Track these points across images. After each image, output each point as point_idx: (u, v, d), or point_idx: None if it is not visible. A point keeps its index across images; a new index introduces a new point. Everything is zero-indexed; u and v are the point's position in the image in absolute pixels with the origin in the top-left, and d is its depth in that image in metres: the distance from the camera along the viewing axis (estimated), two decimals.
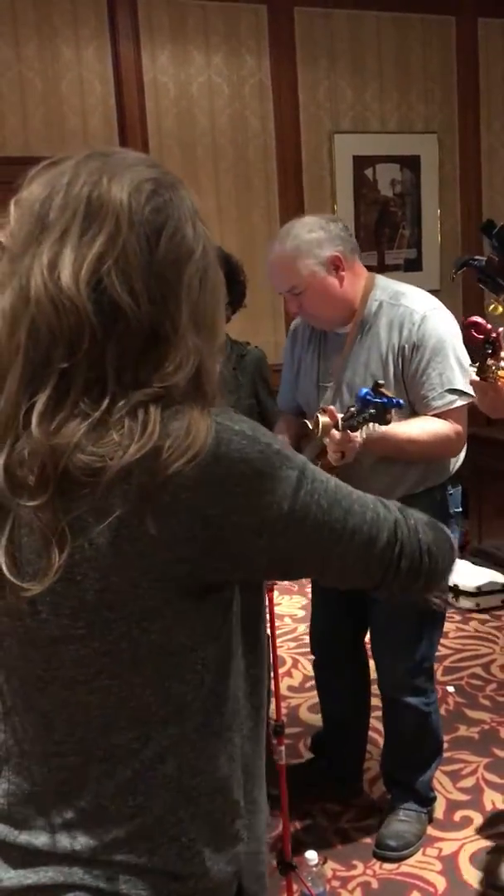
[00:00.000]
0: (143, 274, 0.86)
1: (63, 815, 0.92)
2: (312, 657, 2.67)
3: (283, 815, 2.02)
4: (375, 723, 2.63)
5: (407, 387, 2.09)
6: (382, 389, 1.81)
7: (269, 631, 2.13)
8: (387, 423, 1.82)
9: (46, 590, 0.85)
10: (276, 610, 3.99)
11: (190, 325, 0.90)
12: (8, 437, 0.85)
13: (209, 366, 0.92)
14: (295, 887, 2.02)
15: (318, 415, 2.02)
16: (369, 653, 2.51)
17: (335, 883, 2.20)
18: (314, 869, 1.99)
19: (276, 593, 4.19)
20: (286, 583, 4.33)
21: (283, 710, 3.09)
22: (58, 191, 0.87)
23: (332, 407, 2.02)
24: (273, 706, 2.18)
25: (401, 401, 1.82)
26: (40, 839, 0.92)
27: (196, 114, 4.75)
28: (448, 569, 1.04)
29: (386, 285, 2.18)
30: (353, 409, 1.86)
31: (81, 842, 0.90)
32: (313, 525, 0.91)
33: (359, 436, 1.88)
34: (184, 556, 0.86)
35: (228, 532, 0.87)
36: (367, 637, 2.48)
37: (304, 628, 3.73)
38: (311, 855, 2.00)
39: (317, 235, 2.09)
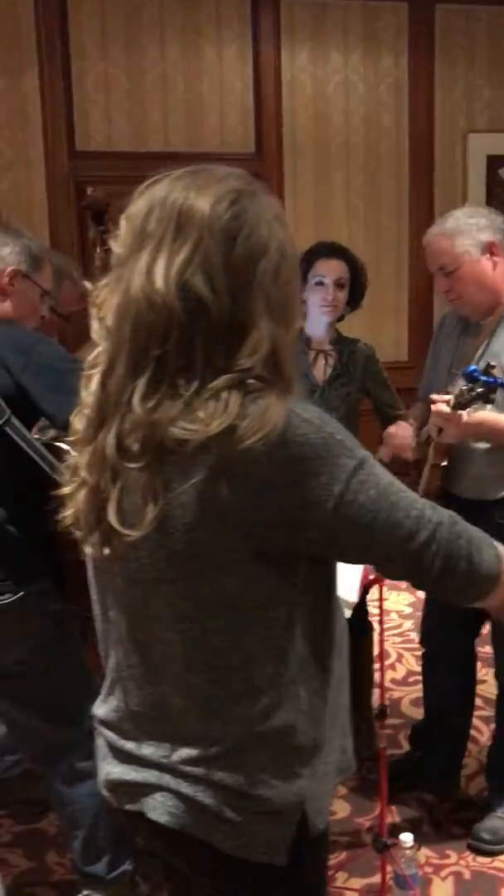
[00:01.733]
0: (222, 272, 1.02)
1: (160, 732, 1.12)
2: (420, 651, 2.71)
3: (382, 797, 2.09)
4: (476, 721, 2.66)
5: None
6: (493, 371, 1.85)
7: (376, 624, 2.21)
8: (491, 402, 1.87)
9: (146, 538, 1.03)
10: (384, 606, 4.03)
11: (264, 314, 1.04)
12: (118, 413, 1.04)
13: (285, 350, 1.07)
14: (388, 868, 2.09)
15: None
16: (477, 651, 2.55)
17: (428, 869, 2.26)
18: (408, 851, 2.06)
19: (384, 589, 4.24)
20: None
21: (386, 702, 3.16)
22: (156, 205, 1.05)
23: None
24: (377, 693, 2.25)
25: None
26: (143, 750, 1.13)
27: (331, 112, 4.82)
28: (489, 579, 1.11)
29: None
30: (464, 388, 1.92)
31: (169, 755, 1.10)
32: (359, 511, 1.03)
33: (464, 415, 1.92)
34: (251, 521, 1.02)
35: (286, 505, 1.02)
36: (484, 630, 2.49)
37: (409, 624, 3.77)
38: (406, 836, 2.07)
39: (477, 221, 2.16)
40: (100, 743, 1.24)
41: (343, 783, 2.67)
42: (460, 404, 1.92)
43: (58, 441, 1.83)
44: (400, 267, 4.99)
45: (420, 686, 2.77)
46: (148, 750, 1.13)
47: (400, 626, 3.83)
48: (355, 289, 2.69)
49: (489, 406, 1.90)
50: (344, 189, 4.90)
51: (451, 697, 2.56)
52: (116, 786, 1.17)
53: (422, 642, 2.68)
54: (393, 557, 1.08)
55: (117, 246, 1.08)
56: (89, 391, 1.08)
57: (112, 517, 1.04)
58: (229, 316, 1.02)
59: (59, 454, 1.80)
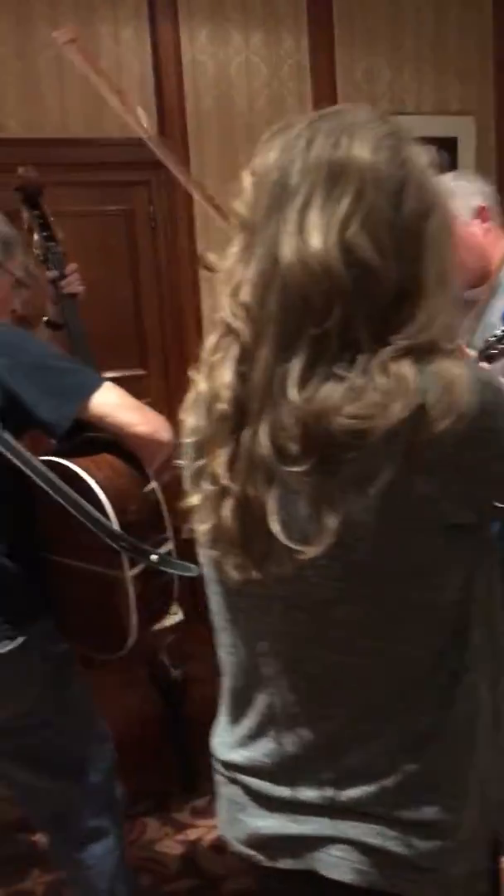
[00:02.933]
0: (390, 231, 0.86)
1: (329, 772, 0.94)
2: None
3: None
4: None
5: None
6: None
7: None
8: None
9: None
10: None
11: (434, 279, 0.89)
12: (266, 405, 0.85)
13: (455, 319, 0.94)
14: None
15: None
16: None
17: None
18: None
19: None
20: None
21: None
22: (296, 155, 0.87)
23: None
24: None
25: None
26: (304, 794, 0.96)
27: (234, 95, 4.66)
28: None
29: None
30: (492, 338, 1.81)
31: (347, 797, 0.93)
32: None
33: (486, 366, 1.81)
34: (446, 511, 0.88)
35: (481, 481, 0.90)
36: None
37: None
38: None
39: (469, 185, 2.10)
40: (233, 793, 1.05)
41: None
42: (489, 356, 1.80)
43: (56, 456, 1.59)
44: None
45: None
46: (310, 794, 0.96)
47: None
48: None
49: None
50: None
51: None
52: (269, 841, 1.00)
53: None
54: None
55: (243, 207, 0.91)
56: (219, 382, 0.89)
57: (278, 532, 0.85)
58: (398, 283, 0.86)
59: (62, 473, 1.55)
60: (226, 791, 1.08)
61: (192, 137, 4.59)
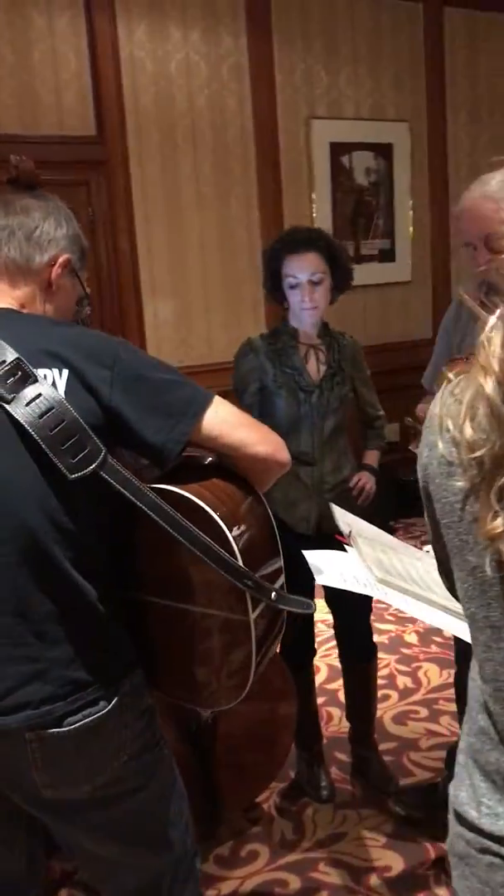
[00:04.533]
0: None
1: None
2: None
3: None
4: None
5: None
6: None
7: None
8: None
9: None
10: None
11: None
12: None
13: None
14: None
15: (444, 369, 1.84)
16: None
17: None
18: None
19: None
20: None
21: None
22: None
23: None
24: None
25: None
26: None
27: (174, 93, 4.45)
28: None
29: None
30: None
31: None
32: None
33: None
34: None
35: None
36: None
37: None
38: None
39: None
40: (493, 878, 0.86)
41: (377, 828, 2.40)
42: None
43: (160, 483, 1.34)
44: (252, 260, 4.73)
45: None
46: None
47: None
48: (337, 272, 2.38)
49: None
50: (193, 176, 4.54)
51: None
52: None
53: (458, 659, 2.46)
54: None
55: None
56: None
57: None
58: None
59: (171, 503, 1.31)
60: (489, 875, 0.88)
61: (132, 135, 4.34)
